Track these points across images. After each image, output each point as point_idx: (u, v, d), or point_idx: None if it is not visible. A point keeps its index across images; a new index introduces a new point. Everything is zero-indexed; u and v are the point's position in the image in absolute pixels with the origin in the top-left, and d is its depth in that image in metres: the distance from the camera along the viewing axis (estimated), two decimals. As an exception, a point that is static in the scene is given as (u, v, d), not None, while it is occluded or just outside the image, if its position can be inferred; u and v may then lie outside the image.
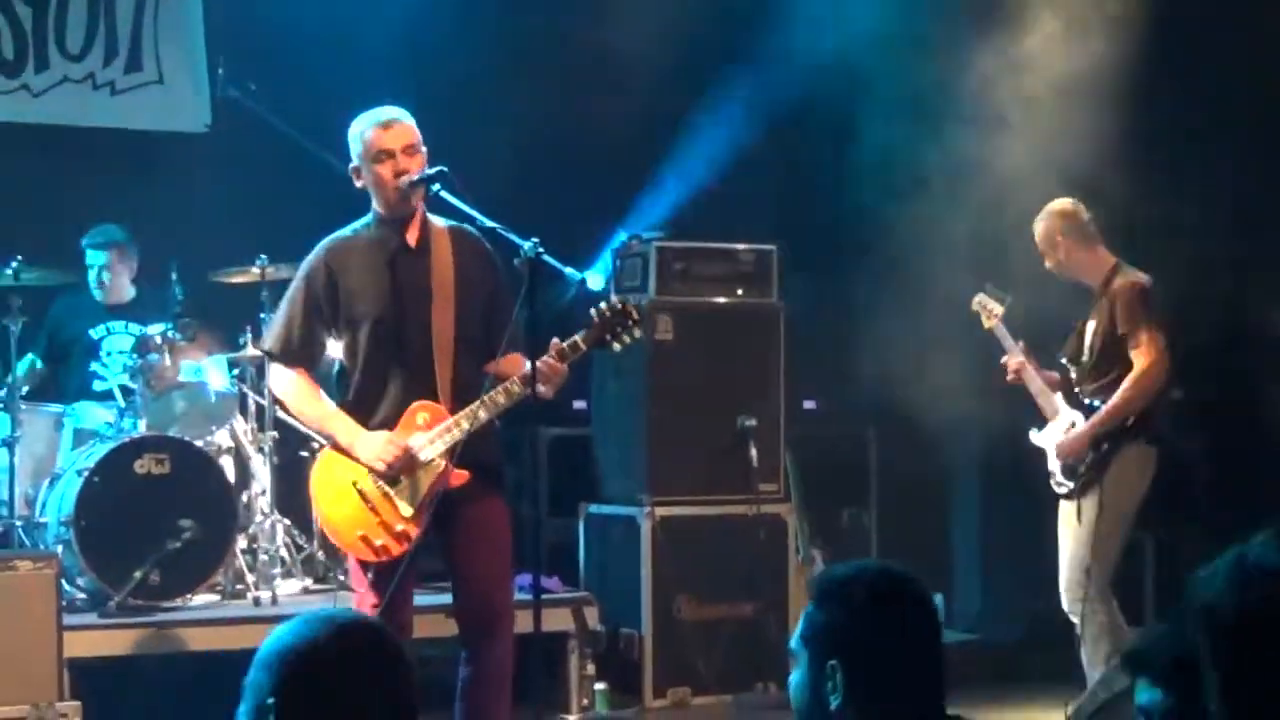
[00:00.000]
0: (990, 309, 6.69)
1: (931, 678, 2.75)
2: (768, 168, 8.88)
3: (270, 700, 2.41)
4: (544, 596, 5.38)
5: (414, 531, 5.14)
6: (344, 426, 5.12)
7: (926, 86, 8.06)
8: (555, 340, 5.10)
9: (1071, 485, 6.46)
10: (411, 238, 5.21)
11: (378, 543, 5.13)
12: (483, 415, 5.07)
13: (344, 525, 5.16)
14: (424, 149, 5.20)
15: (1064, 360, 6.67)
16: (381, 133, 5.15)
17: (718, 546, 7.73)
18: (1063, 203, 6.62)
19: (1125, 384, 6.41)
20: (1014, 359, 6.61)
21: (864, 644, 2.71)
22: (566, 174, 8.25)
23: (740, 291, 7.98)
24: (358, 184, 5.23)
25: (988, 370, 6.98)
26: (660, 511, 7.67)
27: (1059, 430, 6.52)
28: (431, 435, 5.12)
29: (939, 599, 8.71)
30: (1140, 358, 6.43)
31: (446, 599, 5.78)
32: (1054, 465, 6.53)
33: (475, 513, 5.20)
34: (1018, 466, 7.37)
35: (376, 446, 5.05)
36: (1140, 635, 3.00)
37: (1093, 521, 6.40)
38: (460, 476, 5.13)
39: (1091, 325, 6.57)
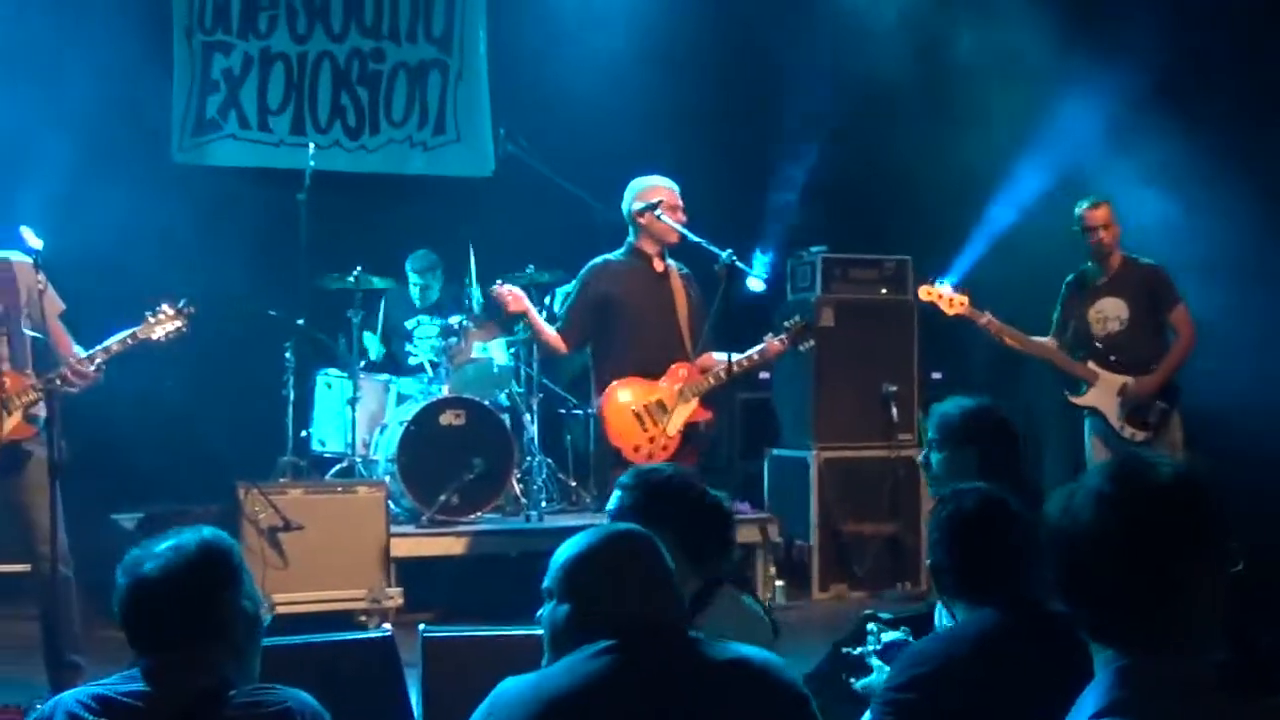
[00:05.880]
0: (948, 298, 6.71)
1: (1010, 567, 3.10)
2: (895, 186, 8.98)
3: (555, 591, 2.55)
4: (738, 517, 5.77)
5: (674, 446, 6.12)
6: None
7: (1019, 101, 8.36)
8: (769, 337, 6.17)
9: (1147, 433, 6.60)
10: (659, 266, 6.34)
11: (646, 452, 6.07)
12: (723, 376, 6.09)
13: (625, 436, 6.15)
14: None
15: (1072, 337, 6.75)
16: (675, 194, 6.28)
17: (867, 481, 8.43)
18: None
19: (1180, 343, 6.65)
20: (984, 319, 6.68)
21: (945, 542, 3.22)
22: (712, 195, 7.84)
23: (884, 290, 8.75)
24: (640, 221, 6.26)
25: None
26: (824, 455, 8.40)
27: (1116, 384, 6.63)
28: (690, 383, 6.17)
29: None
30: (1184, 324, 6.73)
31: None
32: (1117, 419, 6.65)
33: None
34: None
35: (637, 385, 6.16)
36: None
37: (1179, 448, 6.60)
38: (707, 413, 6.19)
39: (1115, 302, 6.77)
